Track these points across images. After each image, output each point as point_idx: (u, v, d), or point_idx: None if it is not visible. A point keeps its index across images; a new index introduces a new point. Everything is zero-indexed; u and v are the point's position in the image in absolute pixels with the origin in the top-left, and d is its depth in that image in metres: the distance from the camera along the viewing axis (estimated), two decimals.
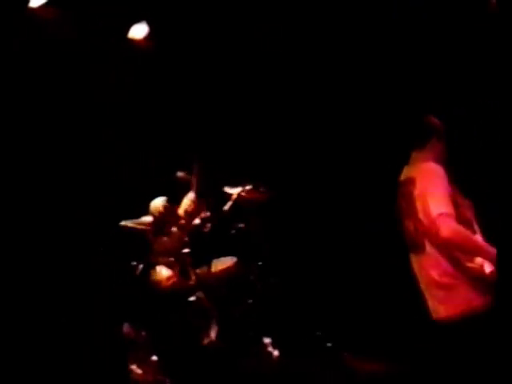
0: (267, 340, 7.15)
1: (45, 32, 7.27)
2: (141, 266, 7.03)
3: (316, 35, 7.65)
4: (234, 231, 7.41)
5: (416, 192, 4.68)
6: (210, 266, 7.28)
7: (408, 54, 7.08)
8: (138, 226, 7.10)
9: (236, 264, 7.34)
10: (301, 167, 8.06)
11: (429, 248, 4.68)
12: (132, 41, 7.88)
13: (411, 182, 4.74)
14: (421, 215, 4.66)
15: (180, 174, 7.43)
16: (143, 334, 6.78)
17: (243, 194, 7.35)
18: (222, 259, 7.42)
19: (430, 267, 4.70)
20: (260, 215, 7.47)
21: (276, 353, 7.09)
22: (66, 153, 7.49)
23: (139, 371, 6.64)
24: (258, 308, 7.22)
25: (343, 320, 7.23)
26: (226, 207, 7.36)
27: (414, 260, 4.85)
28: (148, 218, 7.12)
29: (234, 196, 7.34)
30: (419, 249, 4.75)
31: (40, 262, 7.12)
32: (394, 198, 4.96)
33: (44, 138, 7.36)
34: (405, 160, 4.91)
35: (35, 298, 6.93)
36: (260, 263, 7.35)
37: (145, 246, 7.14)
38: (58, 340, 6.72)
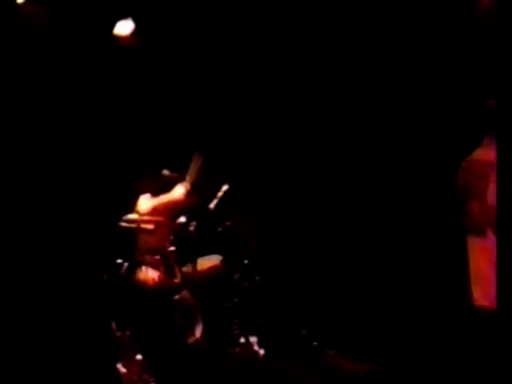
0: (253, 339, 7.15)
1: (29, 28, 7.23)
2: (126, 265, 7.00)
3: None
4: (219, 229, 7.39)
5: (493, 177, 4.59)
6: (195, 265, 7.25)
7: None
8: (123, 224, 7.06)
9: (222, 262, 7.33)
10: (290, 164, 8.05)
11: (490, 234, 4.61)
12: (118, 37, 7.85)
13: (488, 165, 4.65)
14: (491, 200, 4.60)
15: (166, 172, 7.40)
16: (128, 333, 6.76)
17: (229, 191, 7.33)
18: (208, 258, 7.40)
19: (487, 253, 4.63)
20: (246, 213, 7.45)
21: (262, 352, 7.09)
22: (54, 151, 7.45)
23: (124, 370, 6.62)
24: (243, 307, 7.21)
25: (329, 319, 7.24)
26: (212, 205, 7.34)
27: (471, 242, 4.76)
28: (133, 216, 7.09)
29: (220, 194, 7.32)
30: (480, 232, 4.67)
31: (25, 259, 7.08)
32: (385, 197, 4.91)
33: (30, 135, 7.32)
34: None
35: (19, 296, 6.90)
36: (246, 262, 7.34)
37: (130, 244, 7.12)
38: (40, 339, 6.69)
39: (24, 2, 7.19)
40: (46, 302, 6.83)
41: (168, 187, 7.32)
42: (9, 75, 7.07)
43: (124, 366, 6.63)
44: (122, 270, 6.96)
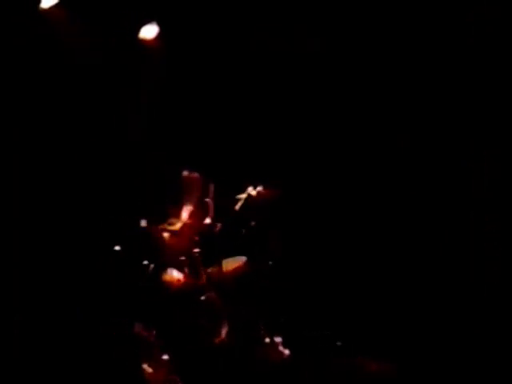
0: (278, 339, 7.16)
1: (56, 33, 7.30)
2: (152, 266, 7.06)
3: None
4: (244, 231, 7.41)
5: None
6: (220, 266, 7.29)
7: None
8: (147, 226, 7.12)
9: (246, 263, 7.35)
10: (313, 166, 8.04)
11: None
12: (143, 41, 7.90)
13: None
14: None
15: (186, 173, 7.41)
16: (154, 333, 6.81)
17: (254, 193, 7.35)
18: (233, 259, 7.42)
19: None
20: (270, 215, 7.46)
21: (286, 352, 7.10)
22: (76, 153, 7.52)
23: (150, 370, 6.68)
24: (268, 307, 7.22)
25: (352, 320, 7.24)
26: (237, 207, 7.36)
27: None
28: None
29: (245, 196, 7.35)
30: None
31: (52, 261, 7.16)
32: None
33: (54, 138, 7.40)
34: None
35: (46, 298, 6.98)
36: (270, 262, 7.36)
37: (156, 246, 7.16)
38: (69, 339, 6.76)
39: (51, 7, 7.28)
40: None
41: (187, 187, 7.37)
42: (34, 77, 7.20)
43: (150, 366, 6.67)
44: (148, 272, 7.02)
